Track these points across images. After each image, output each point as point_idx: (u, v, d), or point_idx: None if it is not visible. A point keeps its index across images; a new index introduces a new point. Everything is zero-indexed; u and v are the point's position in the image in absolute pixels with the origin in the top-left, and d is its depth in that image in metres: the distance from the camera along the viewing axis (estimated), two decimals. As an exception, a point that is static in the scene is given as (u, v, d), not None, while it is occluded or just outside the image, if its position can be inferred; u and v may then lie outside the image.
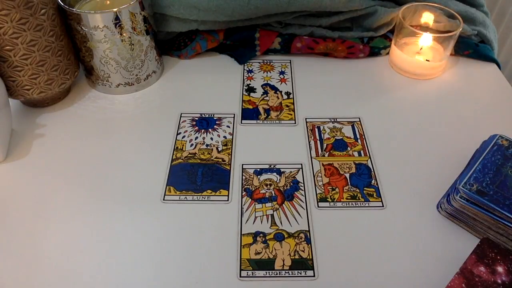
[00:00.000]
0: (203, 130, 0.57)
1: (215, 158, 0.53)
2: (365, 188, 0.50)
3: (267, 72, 0.66)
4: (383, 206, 0.48)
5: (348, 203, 0.48)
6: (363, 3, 0.64)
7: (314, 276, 0.42)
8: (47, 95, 0.57)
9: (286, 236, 0.45)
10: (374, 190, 0.49)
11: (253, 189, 0.50)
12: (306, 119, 0.58)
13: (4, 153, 0.53)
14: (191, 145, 0.55)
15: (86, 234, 0.45)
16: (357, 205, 0.48)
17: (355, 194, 0.49)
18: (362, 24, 0.67)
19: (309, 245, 0.44)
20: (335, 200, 0.48)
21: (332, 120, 0.58)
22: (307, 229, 0.46)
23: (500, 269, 0.39)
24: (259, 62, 0.68)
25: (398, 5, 0.67)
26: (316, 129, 0.57)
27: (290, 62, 0.68)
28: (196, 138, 0.56)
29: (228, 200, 0.49)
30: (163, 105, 0.61)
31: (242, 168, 0.52)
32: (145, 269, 0.42)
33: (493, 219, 0.42)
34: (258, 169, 0.52)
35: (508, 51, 1.17)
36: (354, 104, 0.61)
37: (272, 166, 0.52)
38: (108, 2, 0.61)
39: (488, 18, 0.69)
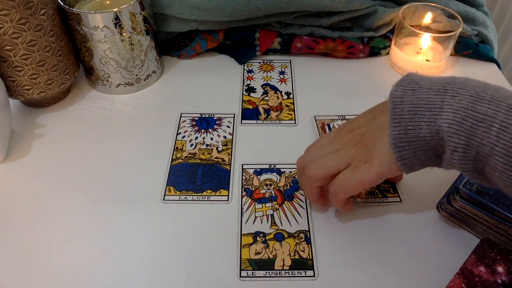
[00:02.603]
0: (203, 130, 0.57)
1: (215, 158, 0.53)
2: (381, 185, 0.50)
3: (267, 72, 0.66)
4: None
5: (368, 199, 0.48)
6: (363, 3, 0.64)
7: (314, 276, 0.42)
8: (47, 95, 0.57)
9: (286, 236, 0.45)
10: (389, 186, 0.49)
11: (253, 189, 0.50)
12: (315, 116, 0.58)
13: (4, 153, 0.53)
14: (191, 145, 0.55)
15: (86, 234, 0.45)
16: (376, 202, 0.48)
17: (373, 191, 0.49)
18: (362, 24, 0.67)
19: (309, 245, 0.44)
20: (354, 196, 0.48)
21: (341, 118, 0.58)
22: (307, 229, 0.46)
23: (500, 269, 0.39)
24: (259, 62, 0.68)
25: (398, 5, 0.67)
26: (327, 127, 0.57)
27: (290, 62, 0.68)
28: (196, 138, 0.56)
29: (228, 200, 0.49)
30: (163, 105, 0.61)
31: (242, 168, 0.52)
32: (145, 269, 0.42)
33: (493, 219, 0.42)
34: (258, 169, 0.52)
35: (508, 51, 1.17)
36: (354, 104, 0.60)
37: (272, 166, 0.52)
38: (108, 2, 0.61)
39: (488, 18, 0.69)
